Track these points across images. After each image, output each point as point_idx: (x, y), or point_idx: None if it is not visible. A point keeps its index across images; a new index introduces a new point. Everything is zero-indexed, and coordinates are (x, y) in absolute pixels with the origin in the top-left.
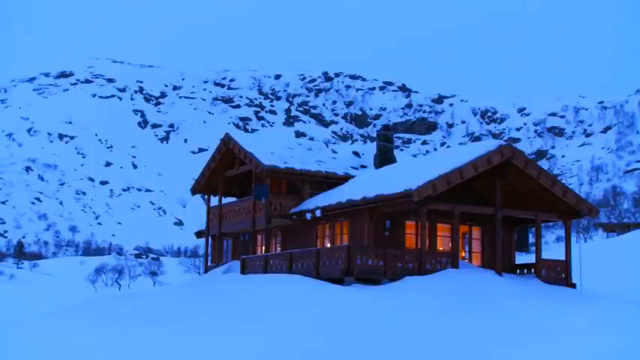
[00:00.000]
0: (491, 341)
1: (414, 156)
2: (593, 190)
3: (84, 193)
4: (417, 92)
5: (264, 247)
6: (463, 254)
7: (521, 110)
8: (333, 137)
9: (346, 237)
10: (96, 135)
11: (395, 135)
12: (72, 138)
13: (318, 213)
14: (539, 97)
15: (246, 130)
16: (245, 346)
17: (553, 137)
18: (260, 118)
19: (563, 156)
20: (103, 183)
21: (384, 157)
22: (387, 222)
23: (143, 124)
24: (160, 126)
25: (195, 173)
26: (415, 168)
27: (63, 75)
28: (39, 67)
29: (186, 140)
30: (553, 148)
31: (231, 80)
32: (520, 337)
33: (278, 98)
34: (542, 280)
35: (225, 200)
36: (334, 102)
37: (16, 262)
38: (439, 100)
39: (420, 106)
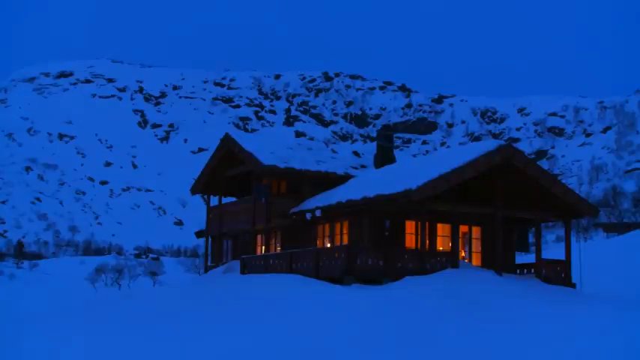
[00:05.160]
0: (492, 341)
1: (414, 156)
2: (593, 190)
3: (84, 193)
4: (417, 92)
5: (264, 247)
6: (463, 254)
7: (521, 110)
8: (333, 137)
9: (346, 237)
10: (96, 135)
11: (395, 135)
12: (72, 138)
13: (318, 213)
14: (539, 97)
15: (246, 130)
16: (245, 346)
17: (553, 137)
18: (260, 118)
19: (563, 156)
20: (103, 183)
21: (384, 157)
22: (387, 222)
23: (143, 124)
24: (160, 126)
25: (195, 173)
26: (415, 168)
27: (63, 75)
28: (39, 67)
29: (186, 140)
30: (553, 148)
31: (231, 80)
32: (520, 337)
33: (278, 98)
34: (542, 280)
35: (225, 200)
36: (334, 102)
37: (16, 262)
38: (439, 100)
39: (420, 106)
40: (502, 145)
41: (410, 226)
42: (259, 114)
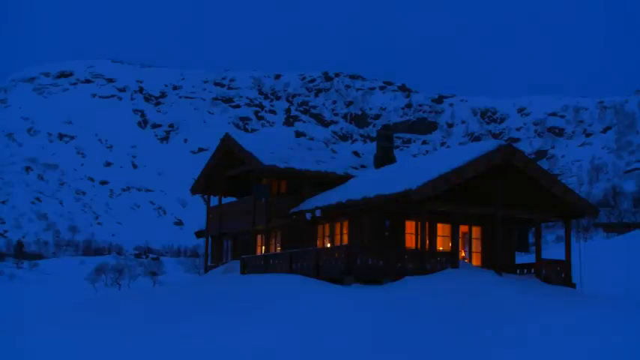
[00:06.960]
0: (491, 341)
1: (414, 156)
2: (593, 190)
3: (84, 193)
4: (417, 92)
5: (264, 247)
6: (463, 254)
7: (521, 110)
8: (333, 137)
9: (346, 237)
10: (96, 135)
11: (395, 135)
12: (72, 138)
13: (318, 213)
14: (539, 97)
15: (246, 130)
16: (245, 345)
17: (553, 137)
18: (260, 118)
19: (563, 156)
20: (103, 183)
21: (384, 157)
22: (387, 222)
23: (143, 124)
24: (160, 126)
25: (195, 173)
26: (415, 168)
27: (63, 75)
28: (39, 67)
29: (186, 140)
30: (553, 148)
31: (231, 80)
32: (520, 337)
33: (278, 98)
34: (542, 280)
35: (225, 200)
36: (334, 102)
37: (16, 262)
38: (439, 100)
39: (420, 106)
40: (502, 145)
41: (410, 226)
42: (259, 114)
